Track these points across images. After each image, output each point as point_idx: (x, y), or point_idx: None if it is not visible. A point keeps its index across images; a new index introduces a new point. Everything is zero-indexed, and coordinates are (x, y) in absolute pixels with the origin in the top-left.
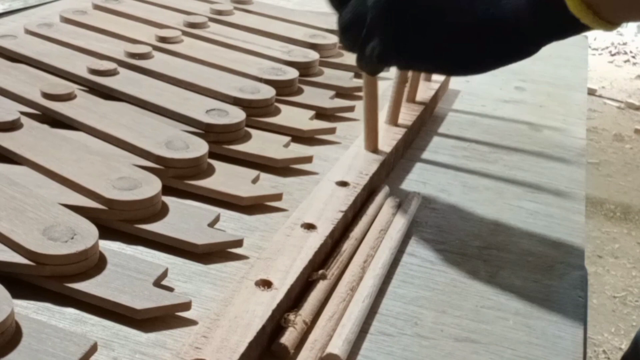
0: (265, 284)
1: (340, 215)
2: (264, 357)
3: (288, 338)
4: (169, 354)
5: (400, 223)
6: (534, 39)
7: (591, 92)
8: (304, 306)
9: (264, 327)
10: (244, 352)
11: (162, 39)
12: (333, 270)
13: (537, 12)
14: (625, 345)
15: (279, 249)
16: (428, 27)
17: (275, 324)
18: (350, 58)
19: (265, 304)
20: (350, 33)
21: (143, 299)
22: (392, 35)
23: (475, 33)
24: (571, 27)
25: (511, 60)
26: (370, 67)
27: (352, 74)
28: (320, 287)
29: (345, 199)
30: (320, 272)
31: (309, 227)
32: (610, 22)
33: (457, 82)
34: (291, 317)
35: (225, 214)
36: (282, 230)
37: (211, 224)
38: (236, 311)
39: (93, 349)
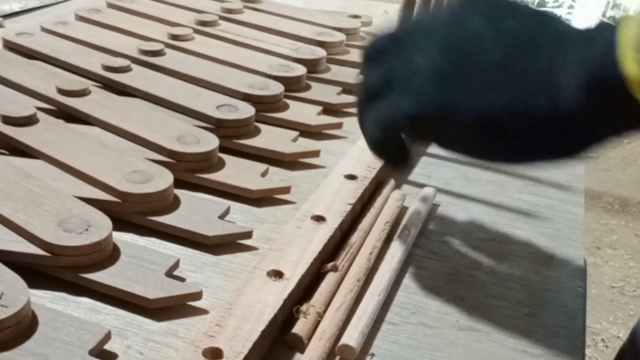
0: (277, 274)
1: (349, 207)
2: (275, 346)
3: (302, 328)
4: (181, 342)
5: (417, 219)
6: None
7: None
8: (317, 297)
9: (275, 317)
10: (257, 341)
11: (174, 37)
12: (343, 262)
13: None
14: (623, 334)
15: (290, 240)
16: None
17: (287, 314)
18: (356, 55)
19: (277, 293)
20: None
21: (155, 288)
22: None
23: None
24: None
25: (564, 158)
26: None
27: (358, 70)
28: (332, 279)
29: (353, 191)
30: (331, 264)
31: (319, 219)
32: None
33: None
34: (304, 308)
35: (235, 206)
36: (293, 222)
37: (221, 216)
38: (248, 301)
39: (107, 337)
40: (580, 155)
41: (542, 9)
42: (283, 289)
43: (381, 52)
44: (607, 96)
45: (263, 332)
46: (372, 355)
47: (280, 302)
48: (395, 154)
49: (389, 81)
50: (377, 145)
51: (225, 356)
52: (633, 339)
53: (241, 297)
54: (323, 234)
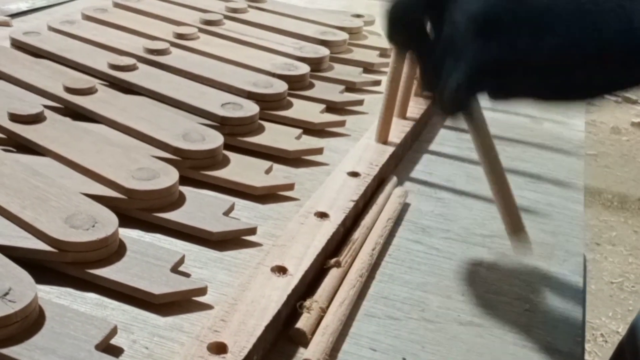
0: (281, 270)
1: (351, 204)
2: (279, 341)
3: (305, 323)
4: (186, 337)
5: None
6: None
7: None
8: (320, 293)
9: (279, 312)
10: (261, 336)
11: (180, 36)
12: (346, 258)
13: None
14: (622, 329)
15: (294, 237)
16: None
17: (291, 309)
18: (359, 54)
19: (281, 289)
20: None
21: (161, 284)
22: (493, 55)
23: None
24: None
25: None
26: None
27: (361, 69)
28: (335, 274)
29: (356, 188)
30: (334, 260)
31: (322, 215)
32: None
33: None
34: (307, 303)
35: (240, 203)
36: (296, 218)
37: (226, 213)
38: (253, 296)
39: (113, 332)
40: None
41: None
42: (287, 285)
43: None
44: None
45: (267, 327)
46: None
47: (284, 298)
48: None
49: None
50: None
51: (229, 351)
52: (631, 334)
53: (245, 293)
54: (326, 230)
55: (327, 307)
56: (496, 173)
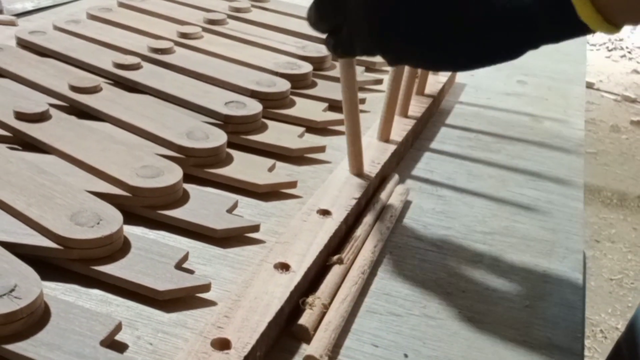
0: (283, 266)
1: (353, 202)
2: (282, 337)
3: (308, 320)
4: (190, 333)
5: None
6: (537, 39)
7: (589, 86)
8: (323, 289)
9: (282, 308)
10: (264, 332)
11: (183, 35)
12: (348, 255)
13: (545, 13)
14: (621, 325)
15: (296, 234)
16: (425, 14)
17: (293, 305)
18: None
19: (284, 285)
20: (329, 20)
21: (165, 280)
22: (378, 28)
23: (487, 25)
24: (577, 30)
25: (504, 59)
26: (343, 54)
27: (363, 68)
28: (337, 271)
29: (358, 186)
30: (337, 257)
31: (325, 213)
32: (615, 26)
33: (462, 76)
34: (310, 299)
35: (243, 200)
36: (299, 215)
37: (229, 210)
38: (256, 292)
39: (118, 328)
40: (520, 55)
41: None
42: (289, 282)
43: None
44: (554, 10)
45: (270, 323)
46: (376, 346)
47: (287, 294)
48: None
49: None
50: None
51: (233, 347)
52: (629, 332)
53: (249, 289)
54: (329, 227)
55: (330, 303)
56: (352, 113)
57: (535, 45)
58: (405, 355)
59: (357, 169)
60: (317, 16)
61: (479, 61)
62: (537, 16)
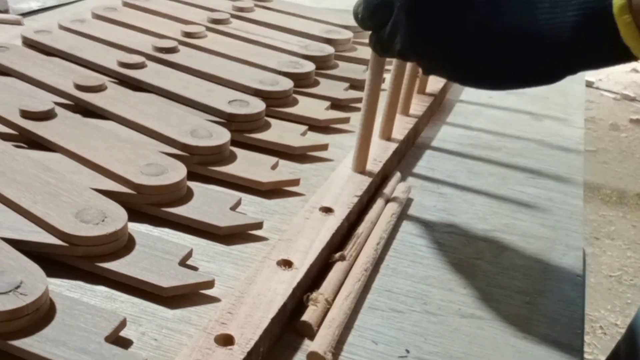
0: (286, 263)
1: (356, 199)
2: (285, 333)
3: (311, 316)
4: (194, 329)
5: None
6: (574, 64)
7: (589, 85)
8: (326, 286)
9: (285, 304)
10: (267, 328)
11: (188, 34)
12: (351, 252)
13: (587, 36)
14: (620, 321)
15: (299, 231)
16: (464, 28)
17: (296, 302)
18: (363, 52)
19: (287, 282)
20: (376, 18)
21: (169, 277)
22: (417, 31)
23: (527, 43)
24: (617, 57)
25: (538, 83)
26: (381, 52)
27: (365, 67)
28: (340, 268)
29: (360, 184)
30: (339, 254)
31: (327, 210)
32: None
33: None
34: (313, 296)
35: (246, 198)
36: (302, 213)
37: (233, 208)
38: (259, 289)
39: (122, 324)
40: (556, 80)
41: None
42: (292, 278)
43: None
44: (596, 31)
45: (273, 320)
46: (375, 342)
47: (290, 291)
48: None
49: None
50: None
51: (236, 342)
52: (629, 332)
53: (252, 286)
54: (331, 224)
55: (333, 299)
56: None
57: (573, 70)
58: (407, 351)
59: (362, 167)
60: (366, 12)
61: (515, 81)
62: (578, 38)
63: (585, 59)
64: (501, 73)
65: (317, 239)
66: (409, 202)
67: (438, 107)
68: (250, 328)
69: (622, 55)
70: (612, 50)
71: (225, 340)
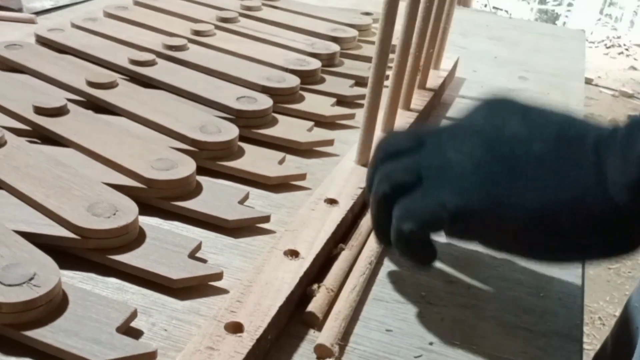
0: (293, 253)
1: (359, 191)
2: (291, 323)
3: (315, 305)
4: (203, 320)
5: None
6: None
7: (588, 82)
8: (329, 277)
9: (292, 293)
10: (275, 315)
11: (197, 33)
12: (353, 242)
13: None
14: (619, 312)
15: (305, 222)
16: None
17: (303, 291)
18: (368, 50)
19: (293, 271)
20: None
21: (179, 269)
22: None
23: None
24: None
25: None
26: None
27: (369, 64)
28: (343, 259)
29: (364, 176)
30: (340, 246)
31: (332, 202)
32: None
33: (464, 72)
34: (315, 287)
35: (254, 192)
36: (307, 205)
37: (241, 201)
38: (267, 278)
39: (133, 315)
40: (636, 249)
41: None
42: (299, 267)
43: (403, 149)
44: None
45: (281, 308)
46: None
47: (297, 280)
48: (424, 251)
49: (422, 176)
50: (408, 242)
51: (245, 330)
52: (616, 330)
53: (260, 275)
54: (335, 215)
55: (338, 289)
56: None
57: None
58: (431, 344)
59: (365, 159)
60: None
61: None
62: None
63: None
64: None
65: (323, 230)
66: None
67: (438, 102)
68: (259, 316)
69: None
70: None
71: (235, 328)
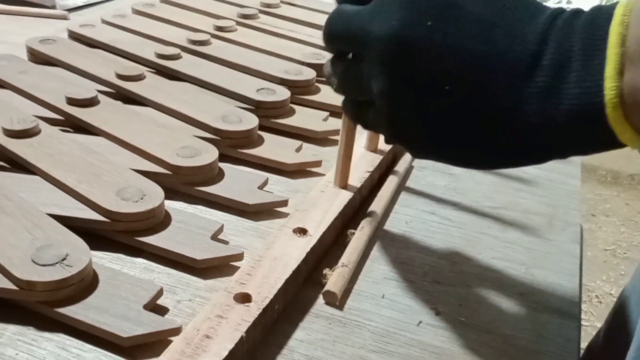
0: (301, 231)
1: (367, 175)
2: (299, 294)
3: (331, 283)
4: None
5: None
6: (566, 151)
7: None
8: (342, 256)
9: (299, 267)
10: (282, 288)
11: (219, 28)
12: (363, 224)
13: (579, 128)
14: (614, 291)
15: (314, 203)
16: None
17: (310, 266)
18: None
19: (301, 247)
20: (346, 89)
21: (202, 250)
22: (392, 130)
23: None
24: (608, 146)
25: (528, 163)
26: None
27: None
28: (354, 239)
29: (372, 161)
30: (349, 231)
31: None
32: None
33: None
34: (327, 270)
35: (273, 178)
36: (317, 187)
37: (260, 187)
38: (276, 254)
39: (159, 293)
40: (537, 162)
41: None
42: (306, 244)
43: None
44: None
45: (287, 280)
46: (438, 312)
47: (304, 255)
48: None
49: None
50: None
51: (253, 300)
52: (609, 319)
53: (269, 251)
54: (343, 197)
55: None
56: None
57: (556, 157)
58: (437, 313)
59: (374, 146)
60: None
61: (504, 164)
62: (571, 134)
63: (575, 150)
64: (492, 159)
65: (331, 210)
66: (420, 180)
67: None
68: (266, 288)
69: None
70: (606, 144)
71: (244, 298)
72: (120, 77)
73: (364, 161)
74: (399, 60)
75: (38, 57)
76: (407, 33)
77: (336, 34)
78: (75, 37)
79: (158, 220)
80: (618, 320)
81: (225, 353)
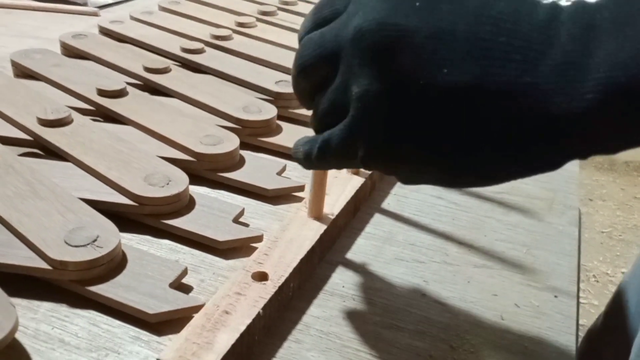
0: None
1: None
2: (314, 273)
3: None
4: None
5: None
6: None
7: None
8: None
9: (313, 248)
10: (297, 267)
11: (240, 25)
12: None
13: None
14: (611, 271)
15: (329, 188)
16: (441, 128)
17: (324, 247)
18: None
19: (315, 229)
20: (326, 122)
21: (224, 232)
22: (381, 140)
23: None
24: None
25: (536, 172)
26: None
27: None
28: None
29: None
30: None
31: (354, 172)
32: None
33: None
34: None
35: (291, 164)
36: (331, 172)
37: (279, 173)
38: (291, 235)
39: (184, 272)
40: (558, 166)
41: None
42: (320, 226)
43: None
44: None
45: (302, 260)
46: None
47: (317, 236)
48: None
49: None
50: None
51: (270, 278)
52: (607, 310)
53: (285, 233)
54: (356, 182)
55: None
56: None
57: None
58: (423, 295)
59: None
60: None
61: (502, 179)
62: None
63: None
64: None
65: (343, 194)
66: None
67: None
68: (282, 267)
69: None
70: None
71: (261, 277)
72: (147, 70)
73: None
74: (387, 51)
75: (70, 51)
76: (394, 19)
77: (309, 59)
78: (105, 32)
79: (183, 204)
80: (617, 305)
81: (243, 328)
